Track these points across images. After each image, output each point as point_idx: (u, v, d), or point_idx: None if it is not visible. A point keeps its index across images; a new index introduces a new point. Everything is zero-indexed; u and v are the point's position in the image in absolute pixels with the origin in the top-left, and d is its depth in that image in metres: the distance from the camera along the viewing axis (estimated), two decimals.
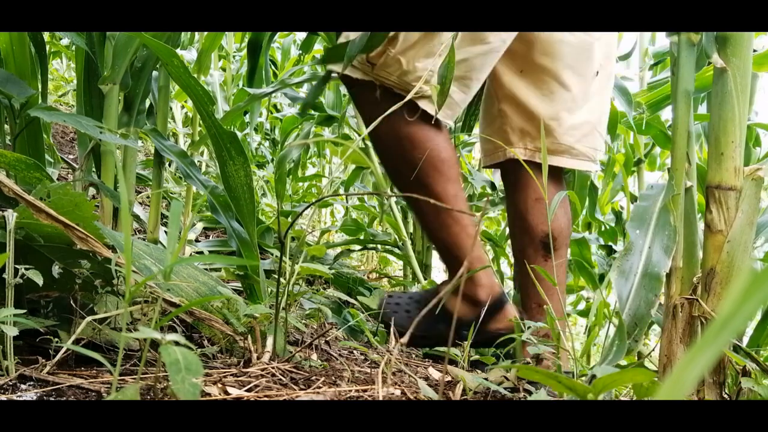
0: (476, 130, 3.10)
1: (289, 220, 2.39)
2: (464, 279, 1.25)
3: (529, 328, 0.98)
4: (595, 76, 1.40)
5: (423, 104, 1.24)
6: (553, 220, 1.39)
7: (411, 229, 2.64)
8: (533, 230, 1.40)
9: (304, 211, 1.61)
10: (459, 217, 1.29)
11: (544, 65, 1.37)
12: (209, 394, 0.80)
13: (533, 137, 1.40)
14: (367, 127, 1.27)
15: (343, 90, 2.56)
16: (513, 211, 1.48)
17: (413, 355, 1.47)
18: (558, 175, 1.45)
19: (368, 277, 2.47)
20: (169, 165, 2.64)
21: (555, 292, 1.33)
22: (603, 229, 2.83)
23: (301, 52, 3.20)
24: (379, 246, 2.53)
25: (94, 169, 1.52)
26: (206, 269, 1.27)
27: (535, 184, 1.38)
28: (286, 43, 3.75)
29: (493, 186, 2.61)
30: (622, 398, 1.21)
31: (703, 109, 2.27)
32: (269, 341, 1.06)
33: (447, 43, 1.06)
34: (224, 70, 3.48)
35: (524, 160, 1.31)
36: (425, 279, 2.38)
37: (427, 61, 1.22)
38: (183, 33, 2.17)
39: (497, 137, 1.44)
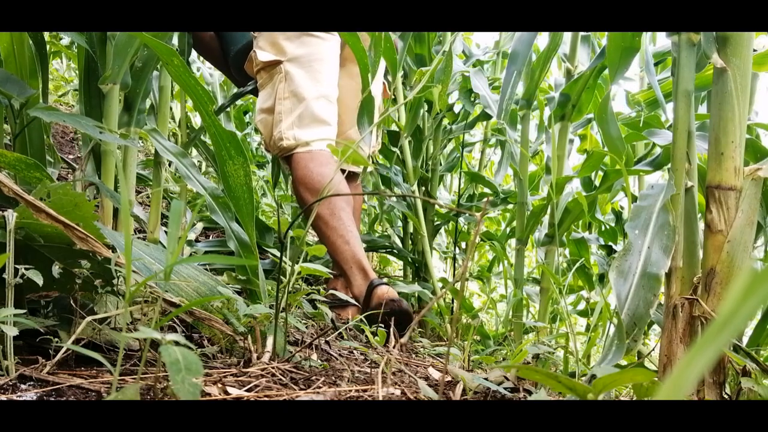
0: (475, 130, 3.09)
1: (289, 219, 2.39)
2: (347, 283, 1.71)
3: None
4: None
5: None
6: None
7: (411, 230, 2.64)
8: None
9: (304, 210, 1.62)
10: (337, 230, 1.72)
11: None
12: (209, 394, 0.80)
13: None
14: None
15: None
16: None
17: (413, 355, 1.47)
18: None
19: None
20: (169, 165, 2.64)
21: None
22: (603, 229, 2.83)
23: None
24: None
25: (94, 170, 1.51)
26: (206, 269, 1.27)
27: None
28: None
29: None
30: (622, 398, 1.21)
31: (703, 109, 2.27)
32: (269, 341, 1.05)
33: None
34: None
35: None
36: (425, 280, 2.38)
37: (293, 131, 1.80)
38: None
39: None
